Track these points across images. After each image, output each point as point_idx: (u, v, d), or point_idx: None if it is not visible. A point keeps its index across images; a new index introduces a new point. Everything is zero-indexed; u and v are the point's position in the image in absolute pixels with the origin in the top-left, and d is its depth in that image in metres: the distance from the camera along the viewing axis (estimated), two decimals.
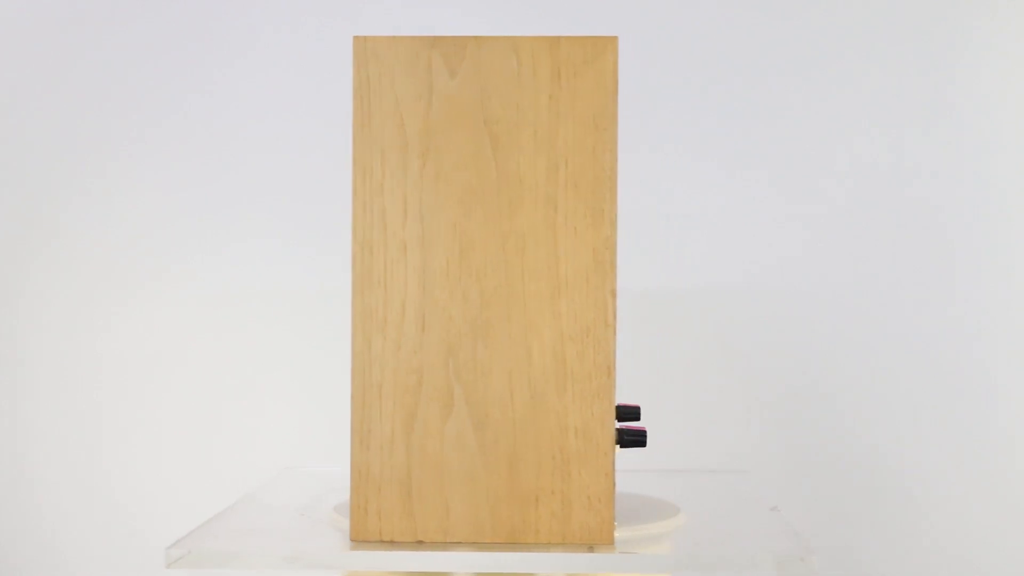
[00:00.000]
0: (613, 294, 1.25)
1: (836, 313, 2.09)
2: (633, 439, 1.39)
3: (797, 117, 2.10)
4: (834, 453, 2.08)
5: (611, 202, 1.25)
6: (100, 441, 2.14)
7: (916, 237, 2.08)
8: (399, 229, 1.26)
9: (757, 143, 2.10)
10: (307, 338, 2.12)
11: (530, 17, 2.11)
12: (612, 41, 1.25)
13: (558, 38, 1.25)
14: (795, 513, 1.93)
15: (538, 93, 1.25)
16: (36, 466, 2.14)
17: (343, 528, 1.33)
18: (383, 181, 1.26)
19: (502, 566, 1.22)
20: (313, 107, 2.11)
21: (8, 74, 2.16)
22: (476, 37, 1.26)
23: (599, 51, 1.25)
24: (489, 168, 1.25)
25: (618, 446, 1.40)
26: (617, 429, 1.39)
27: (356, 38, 1.27)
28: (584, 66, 1.25)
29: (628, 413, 1.47)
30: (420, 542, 1.26)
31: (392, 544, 1.26)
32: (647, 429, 1.42)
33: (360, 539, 1.27)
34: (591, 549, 1.24)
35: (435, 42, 1.26)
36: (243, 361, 2.13)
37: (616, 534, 1.31)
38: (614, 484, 1.27)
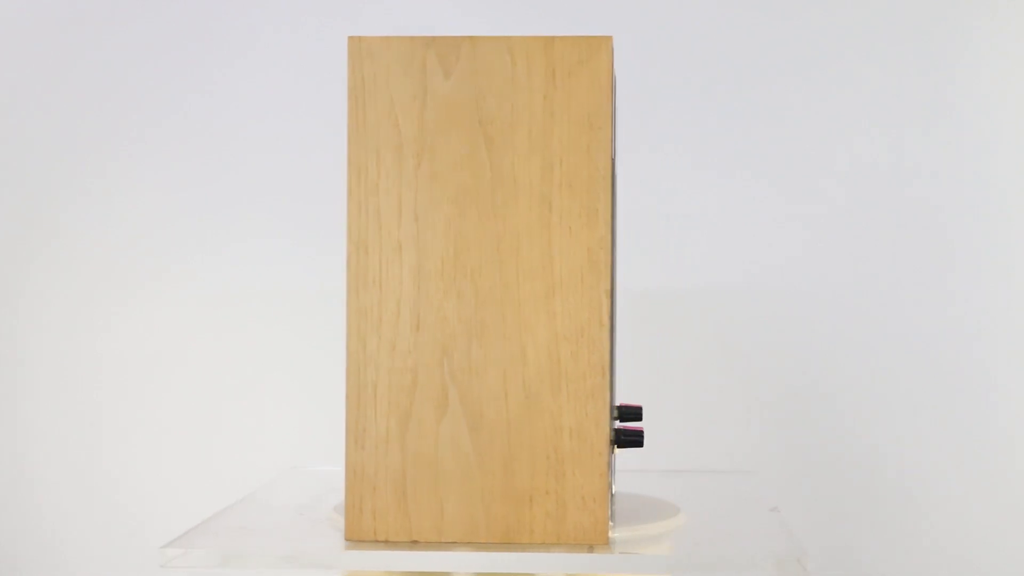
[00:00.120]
0: (607, 294, 1.25)
1: (836, 313, 2.09)
2: (630, 439, 1.40)
3: (797, 117, 2.09)
4: (834, 453, 2.08)
5: (605, 202, 1.25)
6: (100, 441, 2.14)
7: (916, 237, 2.08)
8: (394, 229, 1.26)
9: (757, 143, 2.10)
10: (307, 338, 2.12)
11: (531, 17, 2.11)
12: (606, 41, 1.25)
13: (552, 38, 1.25)
14: (795, 513, 1.93)
15: (532, 93, 1.25)
16: (36, 466, 2.15)
17: (342, 528, 1.33)
18: (378, 181, 1.26)
19: (501, 566, 1.22)
20: (313, 107, 2.11)
21: (8, 74, 2.16)
22: (471, 37, 1.26)
23: (593, 51, 1.25)
24: (484, 168, 1.25)
25: (616, 446, 1.40)
26: (614, 429, 1.39)
27: (351, 38, 1.27)
28: (578, 66, 1.25)
29: (630, 413, 1.47)
30: (415, 542, 1.26)
31: (387, 544, 1.26)
32: (644, 429, 1.42)
33: (355, 539, 1.27)
34: (591, 549, 1.24)
35: (430, 42, 1.26)
36: (243, 361, 2.14)
37: (616, 534, 1.31)
38: (609, 484, 1.27)
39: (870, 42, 2.09)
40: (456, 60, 1.26)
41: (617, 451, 1.42)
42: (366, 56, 1.27)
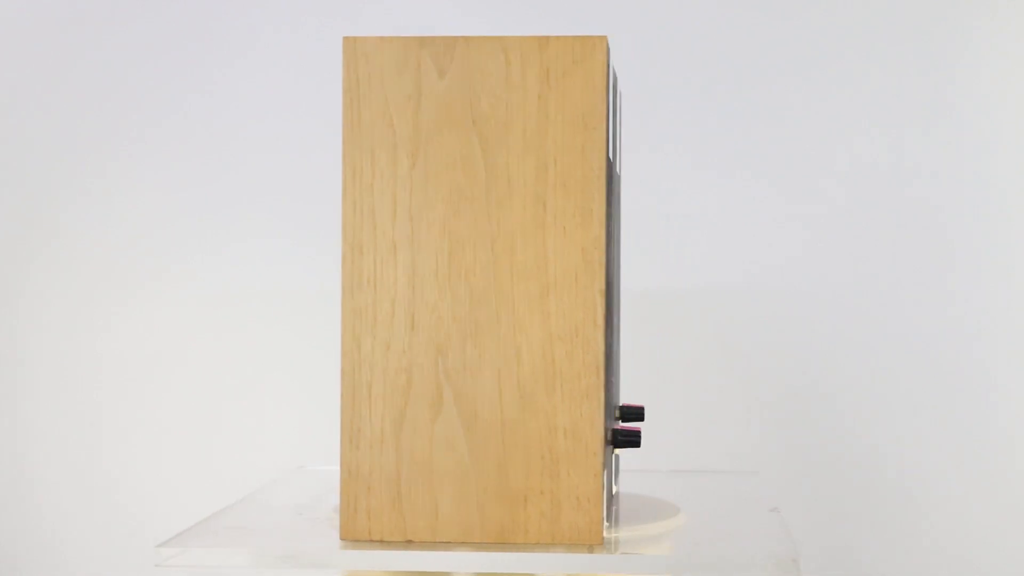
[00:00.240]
0: (602, 293, 1.25)
1: (836, 313, 2.08)
2: (627, 439, 1.40)
3: (797, 117, 2.09)
4: (834, 453, 2.08)
5: (600, 202, 1.24)
6: (100, 441, 2.14)
7: (916, 237, 2.07)
8: (389, 229, 1.26)
9: (757, 143, 2.10)
10: (307, 338, 2.12)
11: (531, 17, 2.11)
12: (601, 41, 1.25)
13: (547, 38, 1.25)
14: (795, 513, 1.93)
15: (527, 93, 1.25)
16: (36, 466, 2.15)
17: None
18: (373, 181, 1.27)
19: (501, 566, 1.22)
20: (313, 107, 2.11)
21: (8, 74, 2.16)
22: (465, 37, 1.26)
23: (588, 51, 1.25)
24: (478, 168, 1.25)
25: (613, 447, 1.40)
26: (611, 429, 1.39)
27: (346, 38, 1.27)
28: (573, 66, 1.25)
29: (632, 414, 1.47)
30: (410, 541, 1.26)
31: (382, 544, 1.26)
32: (641, 430, 1.42)
33: (350, 538, 1.27)
34: (591, 549, 1.24)
35: (424, 42, 1.26)
36: (243, 361, 2.14)
37: (616, 534, 1.31)
38: (603, 485, 1.27)
39: (870, 42, 2.09)
40: (450, 60, 1.26)
41: (616, 451, 1.42)
42: (360, 56, 1.27)
